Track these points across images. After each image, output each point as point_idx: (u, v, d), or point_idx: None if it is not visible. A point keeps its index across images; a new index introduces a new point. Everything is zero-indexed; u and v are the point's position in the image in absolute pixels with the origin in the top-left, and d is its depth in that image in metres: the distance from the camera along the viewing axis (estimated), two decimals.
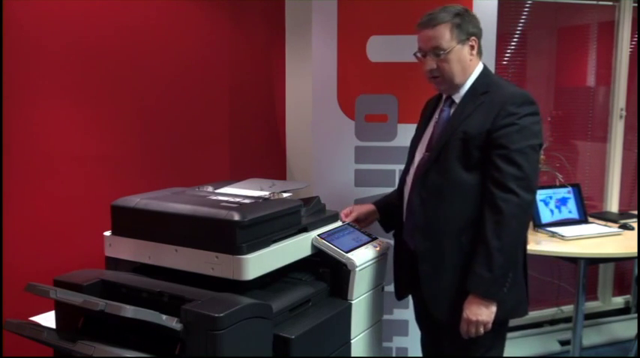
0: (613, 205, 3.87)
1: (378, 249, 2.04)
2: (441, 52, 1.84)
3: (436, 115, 2.00)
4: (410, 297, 2.24)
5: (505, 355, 2.03)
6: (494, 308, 1.80)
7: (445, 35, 1.83)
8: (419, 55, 1.92)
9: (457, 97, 1.92)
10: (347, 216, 2.16)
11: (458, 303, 1.84)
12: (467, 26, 1.86)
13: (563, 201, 3.31)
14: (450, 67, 1.86)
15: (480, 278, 1.77)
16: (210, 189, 2.11)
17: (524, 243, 1.93)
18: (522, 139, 1.76)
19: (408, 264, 2.04)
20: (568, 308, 3.69)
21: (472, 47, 1.88)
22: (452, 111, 1.92)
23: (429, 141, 1.96)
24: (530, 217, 1.84)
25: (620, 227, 3.26)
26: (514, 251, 1.80)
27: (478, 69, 1.93)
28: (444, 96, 1.99)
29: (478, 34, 1.90)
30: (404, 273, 2.11)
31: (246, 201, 1.86)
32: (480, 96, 1.86)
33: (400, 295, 2.18)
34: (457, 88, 1.91)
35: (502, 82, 1.94)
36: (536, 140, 1.80)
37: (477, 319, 1.79)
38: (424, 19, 1.87)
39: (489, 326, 1.81)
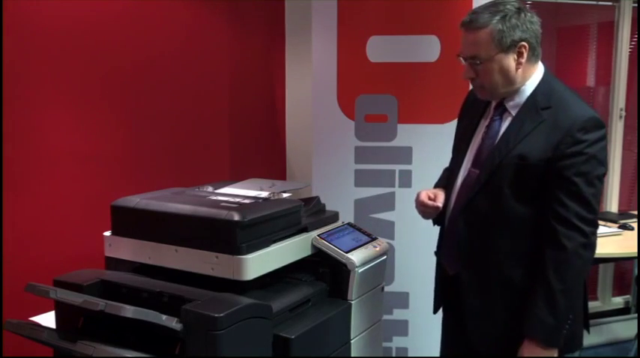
0: (613, 205, 3.87)
1: (378, 249, 2.04)
2: (479, 61, 1.62)
3: (485, 123, 1.75)
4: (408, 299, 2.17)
5: None
6: (555, 355, 1.62)
7: (484, 43, 1.59)
8: (461, 57, 1.69)
9: (512, 107, 1.67)
10: (432, 199, 1.81)
11: (507, 344, 1.67)
12: (513, 32, 1.59)
13: None
14: (490, 77, 1.63)
15: (543, 323, 1.58)
16: (210, 189, 2.11)
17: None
18: (590, 170, 1.56)
19: (446, 287, 1.87)
20: None
21: (520, 54, 1.62)
22: (504, 123, 1.68)
23: (477, 154, 1.73)
24: (593, 254, 1.63)
25: (619, 227, 3.26)
26: (577, 292, 1.64)
27: (537, 75, 1.67)
28: (494, 102, 1.74)
29: (530, 38, 1.62)
30: (443, 293, 1.93)
31: (246, 201, 1.86)
32: (540, 111, 1.61)
33: (437, 309, 1.99)
34: (504, 96, 1.68)
35: (566, 94, 1.66)
36: (602, 169, 1.60)
37: None
38: (467, 18, 1.64)
39: None
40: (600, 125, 1.60)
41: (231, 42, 3.00)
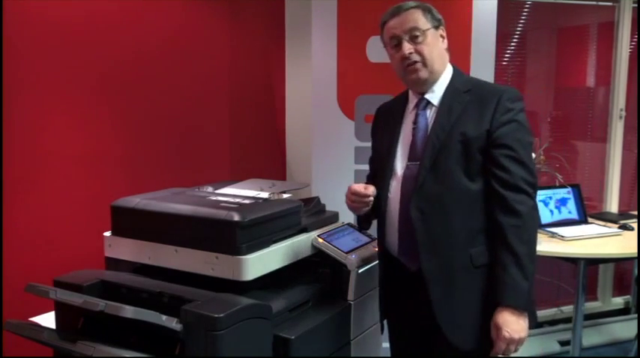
0: (613, 205, 3.87)
1: (377, 249, 2.03)
2: (419, 33, 1.71)
3: (409, 121, 1.80)
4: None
5: None
6: (527, 320, 1.65)
7: (420, 17, 1.73)
8: (392, 45, 1.75)
9: (434, 98, 1.76)
10: (367, 189, 1.79)
11: (477, 325, 1.68)
12: (435, 14, 1.76)
13: (562, 202, 3.31)
14: (430, 49, 1.73)
15: (518, 289, 1.61)
16: (210, 189, 2.11)
17: None
18: (524, 137, 1.68)
19: (405, 289, 1.80)
20: (568, 309, 3.69)
21: (442, 37, 1.77)
22: (431, 113, 1.75)
23: (411, 149, 1.76)
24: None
25: (619, 227, 3.26)
26: (535, 254, 1.67)
27: (449, 68, 1.80)
28: (413, 100, 1.81)
29: (444, 27, 1.79)
30: (397, 300, 1.85)
31: (246, 201, 1.86)
32: (463, 94, 1.73)
33: (383, 327, 1.94)
34: (435, 76, 1.75)
35: (478, 79, 1.83)
36: (531, 137, 1.74)
37: (519, 336, 1.63)
38: (392, 9, 1.76)
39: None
40: (521, 97, 1.73)
41: (231, 42, 3.00)
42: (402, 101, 1.86)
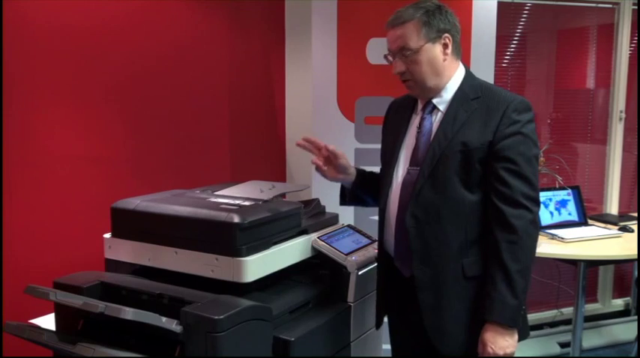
0: (613, 207, 3.87)
1: (377, 249, 2.03)
2: (408, 53, 1.66)
3: (415, 123, 1.78)
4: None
5: None
6: (517, 337, 1.64)
7: (412, 33, 1.65)
8: (389, 57, 1.73)
9: (441, 103, 1.72)
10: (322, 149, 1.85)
11: (463, 334, 1.68)
12: (437, 23, 1.67)
13: (562, 203, 3.31)
14: (420, 68, 1.68)
15: (505, 305, 1.59)
16: (210, 191, 2.11)
17: None
18: (528, 150, 1.63)
19: (401, 292, 1.79)
20: (568, 311, 3.69)
21: (445, 46, 1.69)
22: (436, 118, 1.72)
23: (413, 154, 1.74)
24: (539, 231, 1.68)
25: (619, 229, 3.26)
26: (530, 270, 1.64)
27: (460, 71, 1.74)
28: (421, 102, 1.78)
29: (452, 31, 1.70)
30: (395, 302, 1.86)
31: (246, 203, 1.86)
32: (471, 101, 1.68)
33: (381, 323, 1.93)
34: (432, 91, 1.72)
35: (490, 85, 1.77)
36: (537, 149, 1.68)
37: (504, 352, 1.60)
38: (391, 18, 1.70)
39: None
40: (529, 107, 1.67)
41: (231, 43, 3.00)
42: (412, 101, 1.82)
